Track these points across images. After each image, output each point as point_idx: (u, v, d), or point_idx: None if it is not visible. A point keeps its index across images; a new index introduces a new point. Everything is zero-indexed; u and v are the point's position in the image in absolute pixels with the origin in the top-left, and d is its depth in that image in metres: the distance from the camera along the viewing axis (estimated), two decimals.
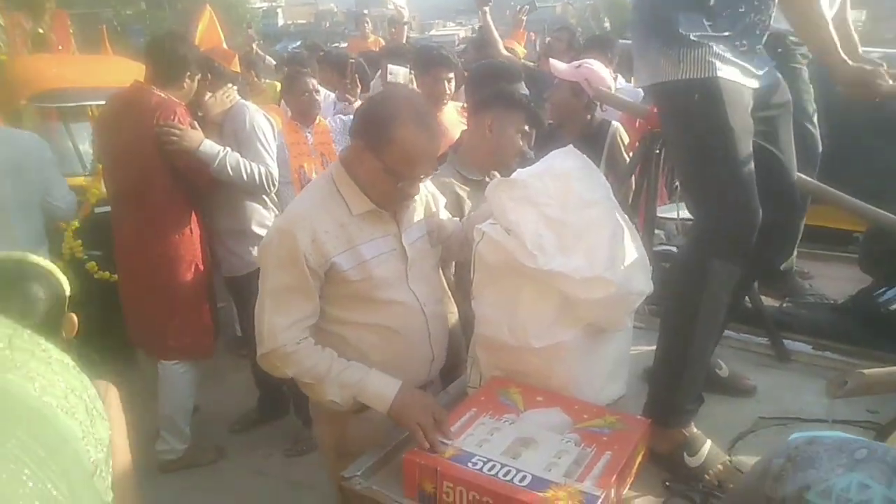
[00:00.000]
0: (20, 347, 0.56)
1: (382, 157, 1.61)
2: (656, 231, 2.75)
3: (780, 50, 2.48)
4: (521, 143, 2.32)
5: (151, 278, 3.03)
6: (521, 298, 1.65)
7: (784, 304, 2.57)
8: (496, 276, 1.70)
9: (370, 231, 1.71)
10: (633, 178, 2.58)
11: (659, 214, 2.75)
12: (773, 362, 2.16)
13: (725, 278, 1.58)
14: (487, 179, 2.23)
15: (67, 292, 1.46)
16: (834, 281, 2.88)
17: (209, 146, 2.92)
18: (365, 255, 1.68)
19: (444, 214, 2.00)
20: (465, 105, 3.26)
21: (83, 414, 0.57)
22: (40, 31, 5.12)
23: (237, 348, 3.99)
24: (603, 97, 2.85)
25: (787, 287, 2.74)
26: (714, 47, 1.57)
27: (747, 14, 1.60)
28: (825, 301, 2.66)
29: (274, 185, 3.13)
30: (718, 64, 1.57)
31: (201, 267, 3.12)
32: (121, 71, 4.45)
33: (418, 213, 1.85)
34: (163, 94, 2.92)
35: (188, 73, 2.99)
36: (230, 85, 3.19)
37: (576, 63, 3.22)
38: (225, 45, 5.33)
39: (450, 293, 2.26)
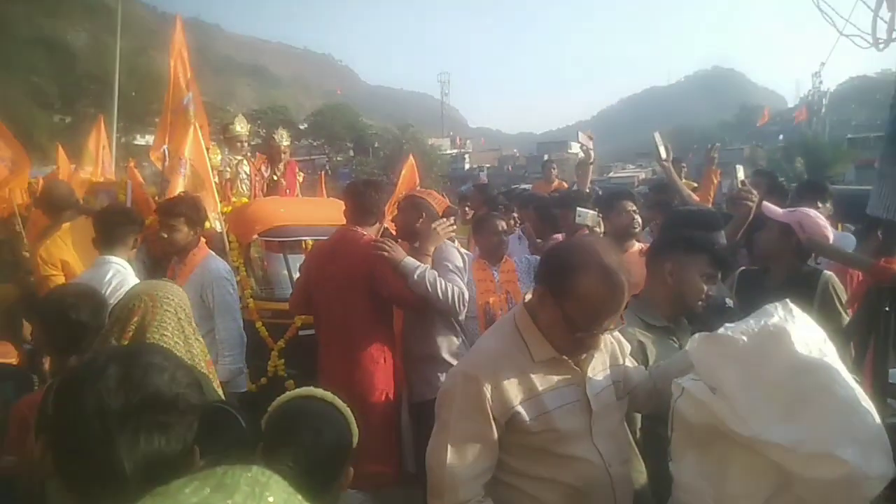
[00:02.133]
0: None
1: (563, 306, 1.59)
2: (889, 400, 2.36)
3: None
4: (704, 286, 2.20)
5: (349, 396, 3.19)
6: (730, 469, 1.47)
7: None
8: (699, 439, 1.54)
9: (553, 379, 1.66)
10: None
11: (891, 381, 2.37)
12: None
13: None
14: (670, 325, 2.11)
15: (354, 438, 1.50)
16: None
17: (411, 261, 3.19)
18: (547, 406, 1.63)
19: (630, 362, 1.91)
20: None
21: None
22: (275, 177, 6.05)
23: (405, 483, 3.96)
24: (819, 248, 2.63)
25: None
26: None
27: None
28: None
29: (464, 306, 3.25)
30: None
31: (392, 395, 3.26)
32: (331, 211, 5.06)
33: (603, 362, 1.79)
34: (364, 232, 3.26)
35: (379, 213, 3.37)
36: (450, 220, 3.46)
37: (791, 208, 3.08)
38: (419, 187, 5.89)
39: (637, 450, 2.09)
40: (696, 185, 5.46)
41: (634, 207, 3.61)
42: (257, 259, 5.33)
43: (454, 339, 3.37)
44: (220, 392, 1.87)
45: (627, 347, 1.92)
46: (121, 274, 3.21)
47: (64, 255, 4.04)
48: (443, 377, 3.23)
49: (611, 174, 41.41)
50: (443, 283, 3.16)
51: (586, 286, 1.56)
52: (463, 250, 3.53)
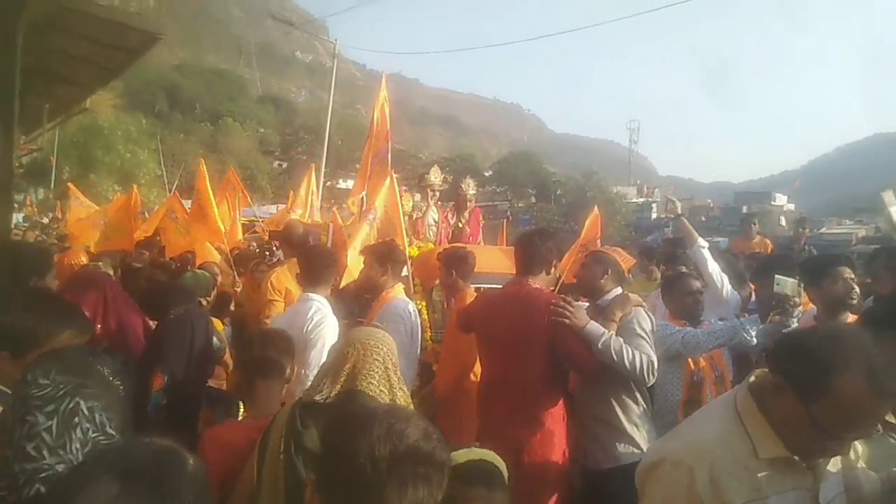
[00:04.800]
0: None
1: (811, 407, 1.36)
2: None
3: None
4: None
5: (517, 457, 3.09)
6: None
7: None
8: None
9: (779, 480, 1.44)
10: None
11: None
12: None
13: None
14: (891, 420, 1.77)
15: None
16: None
17: (595, 326, 3.02)
18: None
19: (862, 464, 1.60)
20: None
21: None
22: (460, 224, 6.25)
23: None
24: None
25: None
26: None
27: None
28: None
29: (654, 375, 3.02)
30: None
31: (566, 455, 3.10)
32: (509, 258, 5.07)
33: (835, 463, 1.52)
34: (538, 285, 3.16)
35: (549, 263, 3.22)
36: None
37: None
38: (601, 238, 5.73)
39: None
40: None
41: (851, 275, 3.13)
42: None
43: (633, 405, 3.14)
44: None
45: (860, 448, 1.62)
46: (321, 312, 3.45)
47: (289, 284, 4.53)
48: (622, 447, 3.02)
49: (823, 230, 36.92)
50: (629, 351, 2.97)
51: (848, 391, 1.32)
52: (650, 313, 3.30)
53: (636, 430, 3.09)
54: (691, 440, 1.53)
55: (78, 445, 1.22)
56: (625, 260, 3.37)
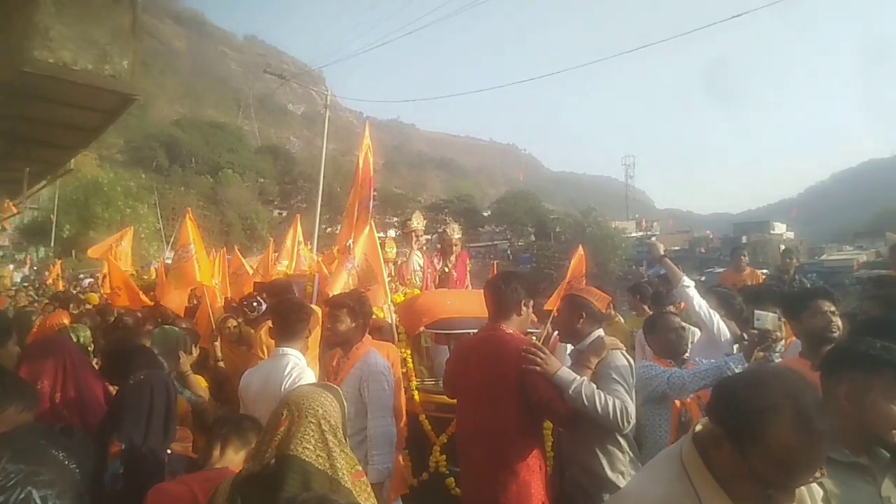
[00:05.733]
0: None
1: (748, 455, 1.29)
2: None
3: None
4: None
5: None
6: None
7: None
8: None
9: None
10: None
11: None
12: None
13: None
14: (859, 461, 1.72)
15: None
16: None
17: (566, 372, 2.93)
18: None
19: None
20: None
21: None
22: (446, 269, 6.21)
23: None
24: None
25: None
26: None
27: None
28: None
29: (629, 422, 2.92)
30: None
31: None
32: None
33: None
34: (510, 331, 3.08)
35: (519, 306, 3.11)
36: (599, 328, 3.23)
37: None
38: (585, 277, 5.67)
39: None
40: None
41: (832, 308, 3.06)
42: (425, 350, 5.41)
43: (618, 453, 3.03)
44: (373, 500, 1.79)
45: (819, 493, 1.54)
46: (299, 367, 3.36)
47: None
48: (607, 497, 2.90)
49: (823, 256, 36.82)
50: (602, 396, 2.87)
51: (781, 434, 1.27)
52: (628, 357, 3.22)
53: (621, 479, 2.98)
54: (640, 500, 1.46)
55: None
56: (600, 299, 3.30)
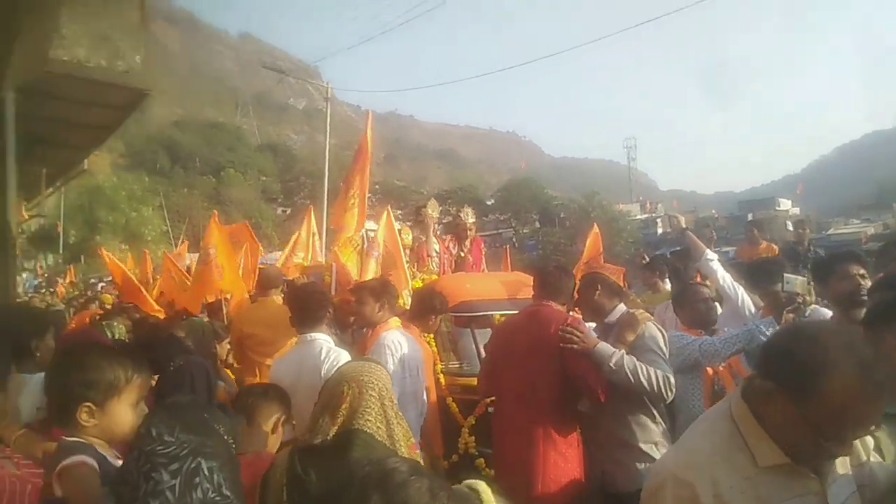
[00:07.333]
0: None
1: (805, 410, 1.30)
2: None
3: None
4: None
5: (530, 480, 3.01)
6: None
7: None
8: None
9: (785, 488, 1.37)
10: None
11: None
12: None
13: None
14: None
15: None
16: None
17: (605, 346, 2.99)
18: None
19: (875, 458, 1.53)
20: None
21: None
22: (462, 254, 6.23)
23: None
24: None
25: None
26: None
27: None
28: None
29: (671, 391, 2.95)
30: None
31: (581, 478, 3.02)
32: (516, 285, 5.04)
33: (844, 463, 1.46)
34: (555, 306, 3.14)
35: (567, 296, 3.30)
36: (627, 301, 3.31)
37: None
38: (603, 255, 5.68)
39: None
40: None
41: (862, 271, 3.07)
42: (446, 333, 5.43)
43: (652, 425, 3.06)
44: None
45: (871, 441, 1.55)
46: (335, 350, 3.40)
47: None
48: (642, 467, 2.93)
49: (830, 231, 36.58)
50: (644, 368, 2.91)
51: (840, 388, 1.27)
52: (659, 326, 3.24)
53: (655, 450, 3.01)
54: (691, 455, 1.47)
55: None
56: (612, 271, 3.32)
